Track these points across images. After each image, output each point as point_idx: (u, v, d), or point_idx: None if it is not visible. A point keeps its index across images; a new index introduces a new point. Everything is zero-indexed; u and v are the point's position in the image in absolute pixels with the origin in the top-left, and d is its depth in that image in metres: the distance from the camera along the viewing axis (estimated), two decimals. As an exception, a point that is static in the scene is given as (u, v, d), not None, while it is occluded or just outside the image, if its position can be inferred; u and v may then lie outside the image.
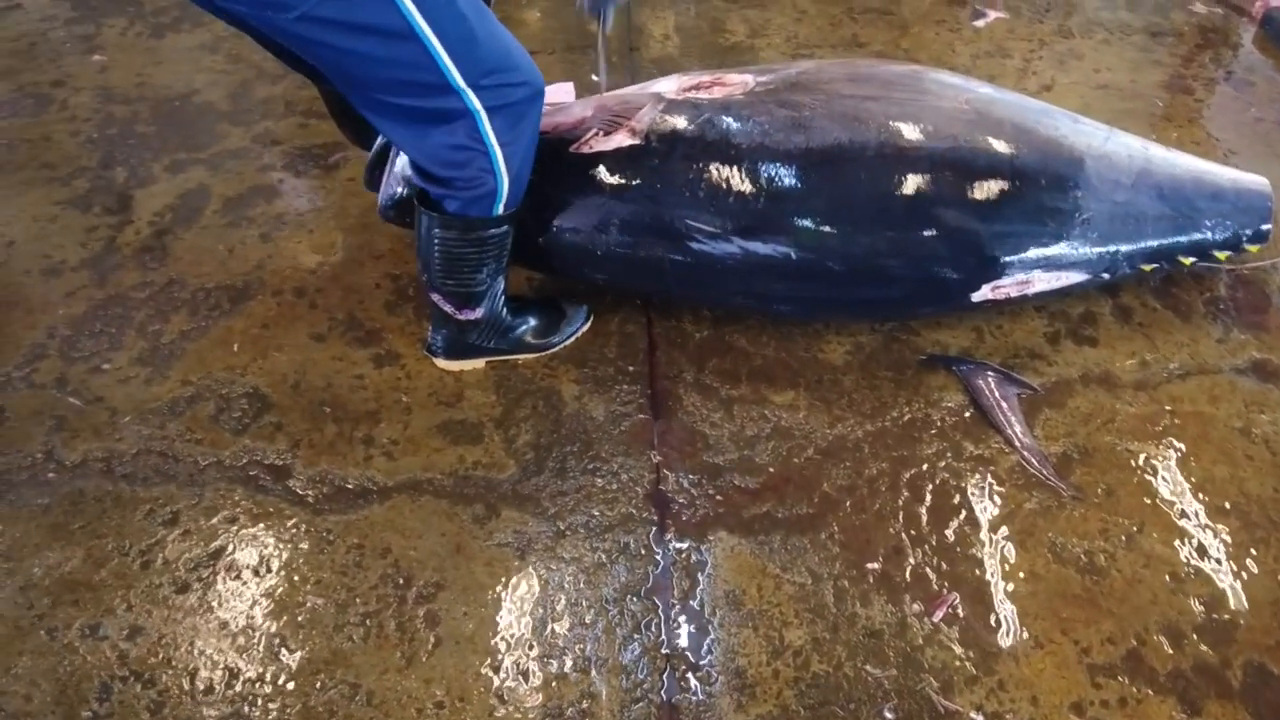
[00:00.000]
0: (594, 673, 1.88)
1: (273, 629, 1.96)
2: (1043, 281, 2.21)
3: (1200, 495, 2.08)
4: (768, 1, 3.14)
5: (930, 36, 3.02)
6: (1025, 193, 2.14)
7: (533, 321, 2.31)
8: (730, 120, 2.19)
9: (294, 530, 2.09)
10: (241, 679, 1.90)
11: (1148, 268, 2.26)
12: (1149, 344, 2.32)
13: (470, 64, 1.65)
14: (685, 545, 2.04)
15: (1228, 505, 2.06)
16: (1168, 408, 2.21)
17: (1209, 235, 2.25)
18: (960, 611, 1.94)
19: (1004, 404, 2.21)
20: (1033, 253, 2.16)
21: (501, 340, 2.28)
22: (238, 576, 2.03)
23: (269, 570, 2.04)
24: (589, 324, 2.37)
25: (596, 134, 2.24)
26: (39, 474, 2.20)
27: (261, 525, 2.10)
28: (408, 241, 2.53)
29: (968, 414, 2.22)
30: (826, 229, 2.13)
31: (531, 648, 1.92)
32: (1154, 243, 2.22)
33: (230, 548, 2.07)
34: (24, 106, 2.98)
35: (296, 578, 2.03)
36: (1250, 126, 2.76)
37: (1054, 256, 2.18)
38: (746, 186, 2.13)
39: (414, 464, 2.18)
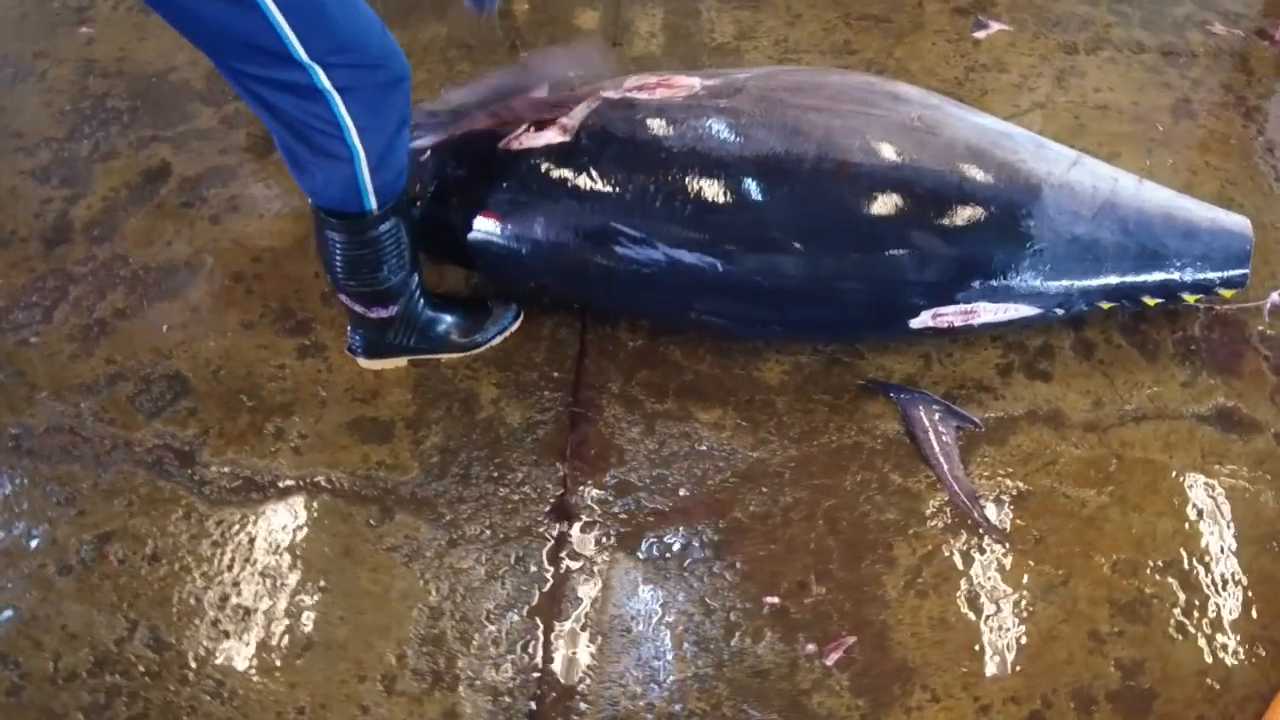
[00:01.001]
0: (462, 690, 1.81)
1: (150, 618, 1.92)
2: (989, 312, 2.07)
3: (1139, 550, 1.93)
4: (762, 3, 3.03)
5: (926, 46, 2.89)
6: (972, 218, 2.00)
7: (455, 320, 2.23)
8: (664, 123, 2.09)
9: (189, 519, 2.04)
10: (107, 667, 1.86)
11: (1106, 306, 2.11)
12: (1107, 383, 2.17)
13: (316, 38, 1.57)
14: (580, 564, 1.95)
15: (1166, 563, 1.91)
16: (1117, 453, 2.06)
17: (1177, 276, 2.09)
18: (857, 656, 1.82)
19: (940, 437, 2.08)
20: (977, 282, 2.03)
21: (422, 339, 2.21)
22: (123, 562, 1.99)
23: (156, 559, 1.99)
24: (518, 324, 2.28)
25: (528, 129, 2.15)
26: (-51, 445, 2.18)
27: (157, 512, 2.06)
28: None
29: (901, 445, 2.09)
30: (755, 243, 2.02)
31: (403, 660, 1.85)
32: (1114, 280, 2.07)
33: (121, 532, 2.03)
34: (3, 76, 2.98)
35: (181, 567, 1.98)
36: (1256, 156, 2.58)
37: (1001, 287, 2.04)
38: (675, 193, 2.03)
39: (319, 460, 2.12)
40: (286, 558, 1.98)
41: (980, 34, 2.93)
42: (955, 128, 2.08)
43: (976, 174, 2.01)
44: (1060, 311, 2.11)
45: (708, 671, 1.81)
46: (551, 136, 2.13)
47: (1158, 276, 2.09)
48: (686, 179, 2.03)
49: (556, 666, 1.83)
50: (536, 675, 1.81)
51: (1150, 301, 2.12)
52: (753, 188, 2.01)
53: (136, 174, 2.74)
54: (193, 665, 1.85)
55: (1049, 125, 2.67)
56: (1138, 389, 2.16)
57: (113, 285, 2.47)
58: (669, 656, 1.83)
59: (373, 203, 1.87)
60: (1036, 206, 2.02)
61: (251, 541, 2.01)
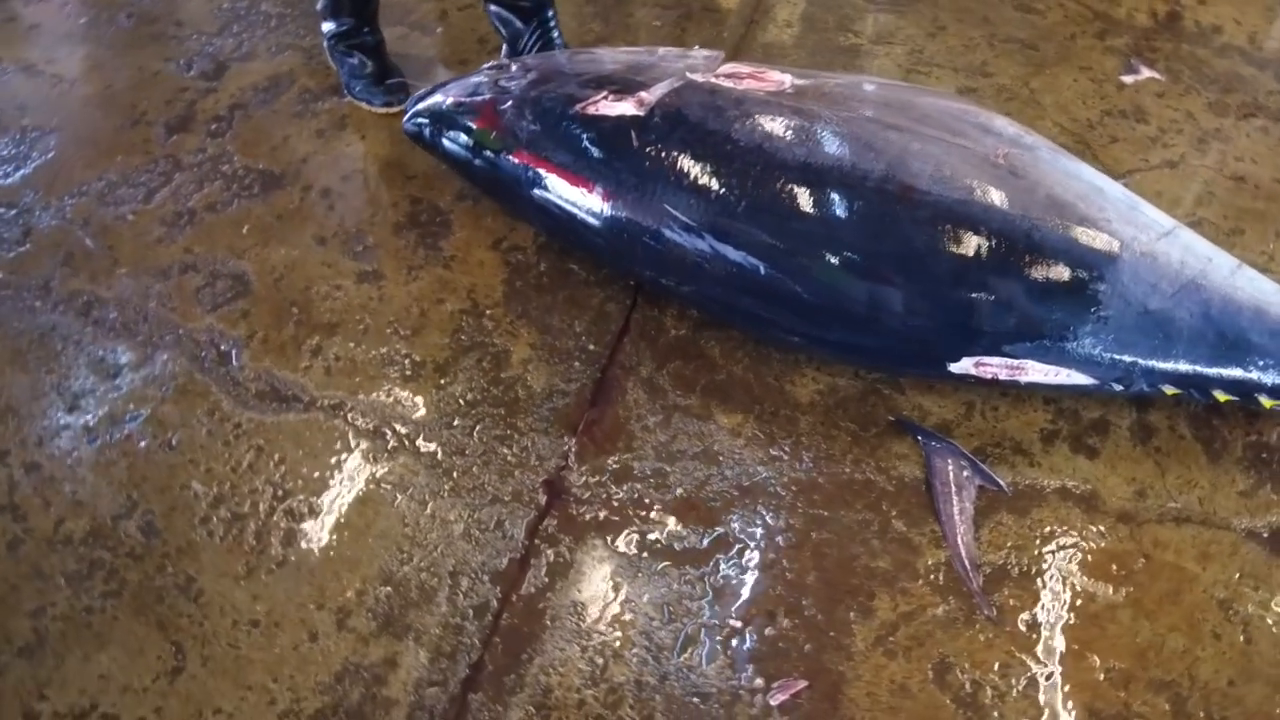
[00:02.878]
0: (408, 641, 1.73)
1: (149, 502, 1.91)
2: (1038, 372, 1.85)
3: (1138, 661, 1.70)
4: (909, 9, 2.79)
5: (1067, 81, 2.60)
6: (1035, 269, 1.78)
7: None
8: (738, 115, 1.92)
9: (212, 416, 2.02)
10: (99, 540, 1.86)
11: (1171, 391, 1.85)
12: (1157, 473, 1.91)
13: None
14: (555, 542, 1.84)
15: (1164, 682, 1.68)
16: (1146, 551, 1.82)
17: (1256, 376, 1.81)
18: (803, 703, 1.66)
19: (959, 493, 1.88)
20: (1029, 337, 1.81)
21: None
22: (141, 443, 1.99)
23: (170, 447, 1.98)
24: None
25: (606, 96, 2.02)
26: (29, 300, 2.22)
27: (187, 403, 2.05)
28: (439, 173, 2.39)
29: (915, 493, 1.90)
30: (802, 252, 1.85)
31: (363, 597, 1.78)
32: (1183, 366, 1.81)
33: (150, 416, 2.03)
34: (180, -32, 3.03)
35: (191, 460, 1.96)
36: None
37: (1055, 348, 1.81)
38: (731, 186, 1.87)
39: (344, 385, 2.07)
40: (286, 473, 1.94)
41: (1128, 78, 2.63)
42: (1042, 172, 1.85)
43: (1051, 224, 1.78)
44: (1119, 387, 1.86)
45: (649, 681, 1.68)
46: (627, 107, 1.99)
47: (1234, 372, 1.82)
48: (746, 174, 1.87)
49: (501, 639, 1.73)
50: (480, 643, 1.72)
51: (1221, 396, 1.85)
52: (809, 196, 1.83)
53: (265, 78, 2.73)
54: (172, 555, 1.83)
55: (1172, 187, 2.37)
56: (1189, 488, 1.90)
57: (212, 179, 2.47)
58: (615, 656, 1.71)
59: None
60: (1111, 271, 1.78)
61: (259, 451, 1.97)
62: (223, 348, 2.13)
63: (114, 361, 2.11)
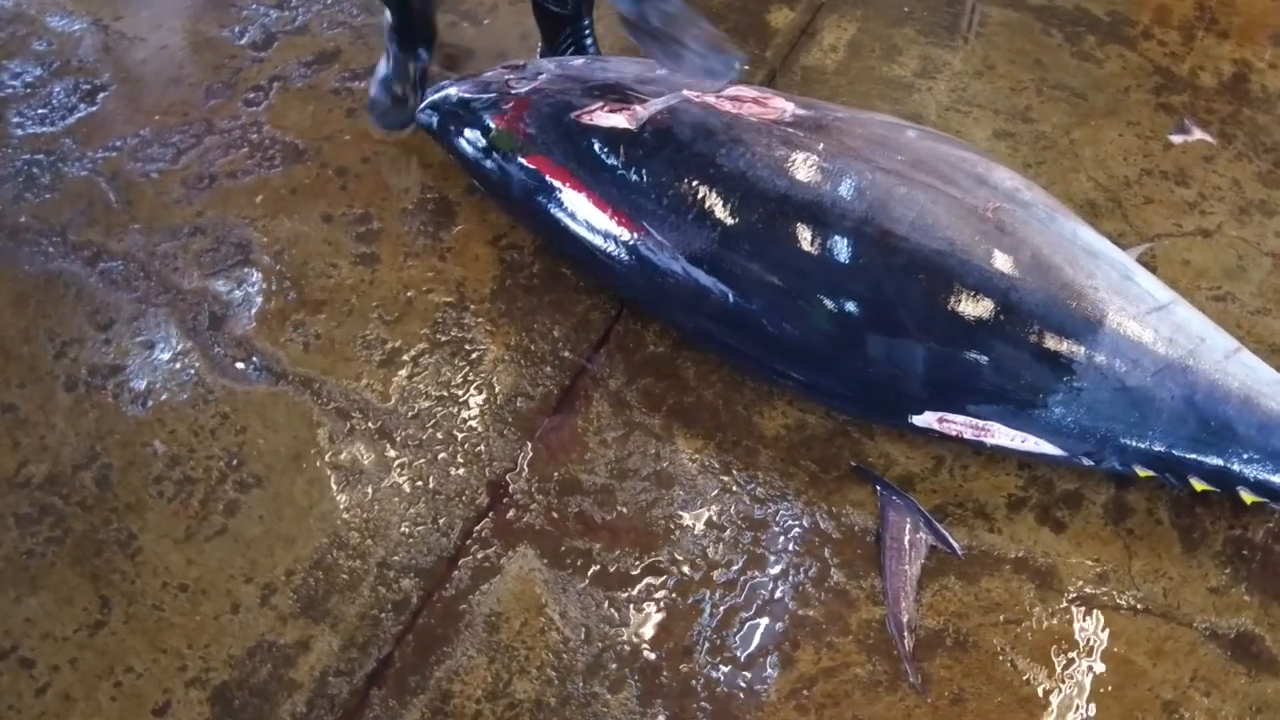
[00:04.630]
0: (323, 627, 1.69)
1: (108, 455, 1.90)
2: (1005, 436, 1.72)
3: (1066, 752, 1.56)
4: (960, 44, 2.64)
5: (1111, 135, 2.42)
6: (1008, 330, 1.65)
7: None
8: (727, 140, 1.83)
9: (186, 378, 2.01)
10: (55, 486, 1.86)
11: (1144, 473, 1.70)
12: (1124, 558, 1.76)
13: None
14: (488, 546, 1.78)
15: (1088, 780, 1.54)
16: (1094, 638, 1.67)
17: (1238, 468, 1.64)
18: (701, 746, 1.57)
19: (907, 551, 1.76)
20: (996, 400, 1.67)
21: None
22: (115, 397, 1.98)
23: (143, 405, 1.97)
24: None
25: (604, 107, 1.94)
26: (44, 245, 2.24)
27: (165, 363, 2.03)
28: (455, 165, 2.33)
29: (862, 544, 1.78)
30: (771, 283, 1.75)
31: (291, 577, 1.75)
32: (1158, 449, 1.66)
33: (128, 370, 2.02)
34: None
35: (159, 419, 1.95)
36: None
37: (1023, 414, 1.68)
38: (709, 211, 1.78)
39: (318, 364, 2.03)
40: (245, 444, 1.91)
41: (1177, 138, 2.44)
42: (1032, 230, 1.71)
43: (1030, 285, 1.65)
44: (1088, 461, 1.72)
45: (549, 702, 1.60)
46: (619, 120, 1.91)
47: (1214, 460, 1.66)
48: (724, 200, 1.78)
49: (414, 637, 1.67)
50: (393, 638, 1.66)
51: (1199, 485, 1.69)
52: (784, 228, 1.74)
53: (311, 52, 2.71)
54: (119, 510, 1.82)
55: (1201, 257, 2.19)
56: (1156, 577, 1.74)
57: (239, 146, 2.46)
58: (520, 671, 1.64)
59: None
60: (1090, 340, 1.64)
61: (224, 418, 1.94)
62: (214, 312, 2.11)
63: (108, 315, 2.11)
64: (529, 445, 1.91)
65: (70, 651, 1.66)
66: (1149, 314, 1.67)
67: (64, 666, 1.64)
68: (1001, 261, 1.66)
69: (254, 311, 2.11)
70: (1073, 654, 1.66)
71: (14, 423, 1.94)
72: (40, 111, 2.54)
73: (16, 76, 2.61)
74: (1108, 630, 1.69)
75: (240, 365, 2.02)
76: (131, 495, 1.84)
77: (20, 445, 1.91)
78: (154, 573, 1.75)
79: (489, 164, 2.08)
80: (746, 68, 2.22)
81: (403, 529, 1.79)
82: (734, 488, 1.86)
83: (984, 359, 1.66)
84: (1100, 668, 1.65)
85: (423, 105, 2.25)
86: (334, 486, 1.85)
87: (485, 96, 2.10)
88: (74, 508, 1.82)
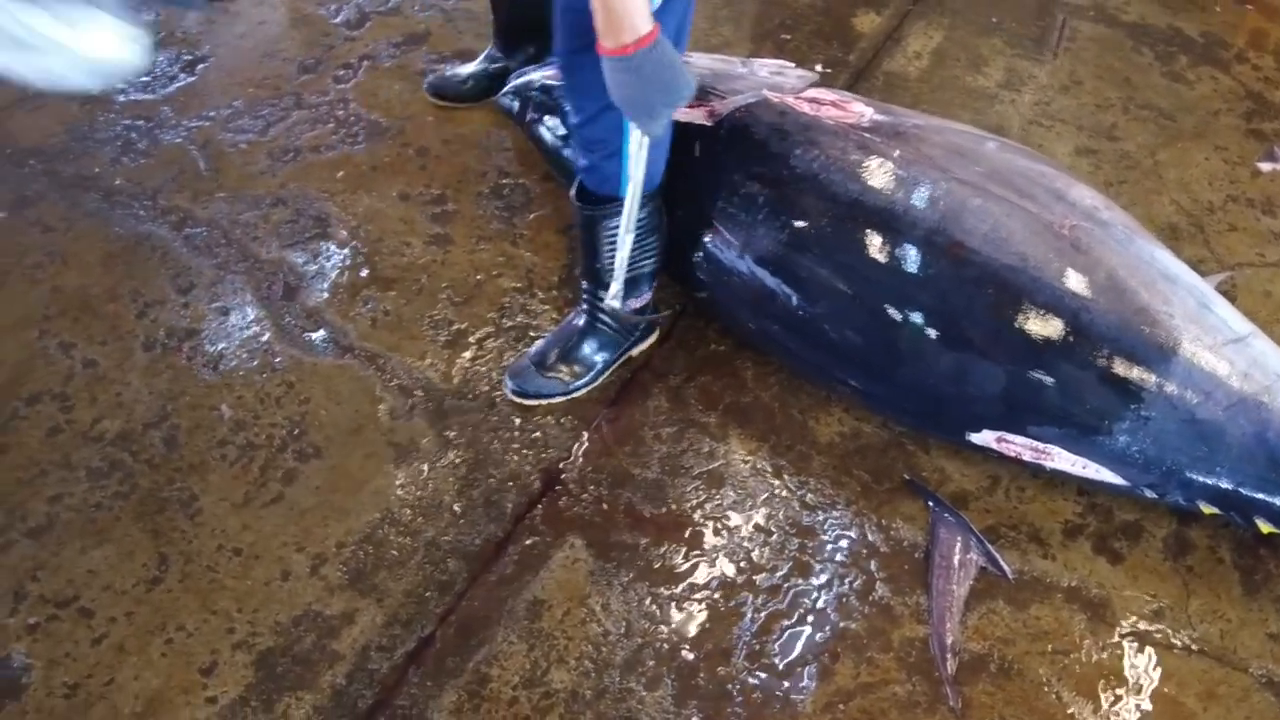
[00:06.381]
0: (369, 601, 1.65)
1: (178, 416, 1.89)
2: (1065, 461, 1.62)
3: (1106, 792, 1.47)
4: (1048, 58, 2.51)
5: (1197, 158, 2.28)
6: (1077, 352, 1.55)
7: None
8: (802, 142, 1.75)
9: (257, 346, 1.99)
10: (126, 442, 1.85)
11: (1208, 510, 1.59)
12: (1181, 595, 1.65)
13: None
14: (536, 533, 1.73)
15: (1128, 822, 1.44)
16: (1145, 676, 1.57)
17: (1309, 512, 1.54)
18: (733, 752, 1.50)
19: (956, 570, 1.67)
20: (1059, 423, 1.58)
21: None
22: (190, 359, 1.97)
23: (214, 369, 1.96)
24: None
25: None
26: (135, 208, 2.24)
27: (240, 329, 2.02)
28: (530, 148, 2.29)
29: (911, 560, 1.70)
30: (836, 287, 1.67)
31: (341, 549, 1.72)
32: (1225, 485, 1.55)
33: (204, 333, 2.01)
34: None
35: (227, 384, 1.94)
36: None
37: (1086, 440, 1.58)
38: (778, 211, 1.71)
39: (385, 340, 2.00)
40: (307, 414, 1.88)
41: (1266, 165, 2.29)
42: (1109, 251, 1.60)
43: (1103, 307, 1.55)
44: (1151, 493, 1.62)
45: (585, 694, 1.55)
46: (696, 115, 1.84)
47: (1282, 503, 1.55)
48: (794, 202, 1.71)
49: (456, 619, 1.63)
50: (435, 619, 1.63)
51: (1265, 527, 1.58)
52: (853, 233, 1.65)
53: (401, 33, 2.69)
54: (184, 470, 1.81)
55: (1283, 290, 2.06)
56: (1213, 617, 1.63)
57: (325, 121, 2.44)
58: (561, 662, 1.59)
59: None
60: (1162, 368, 1.53)
61: (290, 387, 1.93)
62: (288, 282, 2.10)
63: (189, 279, 2.10)
64: (585, 435, 1.86)
65: (127, 605, 1.65)
66: (1225, 345, 1.56)
67: (120, 619, 1.63)
68: (1075, 281, 1.56)
69: (327, 284, 2.09)
70: (1121, 690, 1.56)
71: (94, 378, 1.94)
72: (144, 79, 2.55)
73: (123, 44, 2.63)
74: (1159, 669, 1.58)
75: (309, 336, 2.00)
76: (196, 456, 1.83)
77: (97, 400, 1.91)
78: (211, 534, 1.73)
79: (567, 151, 2.02)
80: (828, 70, 2.14)
81: (455, 509, 1.76)
82: (784, 492, 1.78)
83: (1050, 380, 1.56)
84: (1148, 707, 1.54)
85: (505, 90, 2.21)
86: (390, 462, 1.82)
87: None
88: (142, 465, 1.82)
